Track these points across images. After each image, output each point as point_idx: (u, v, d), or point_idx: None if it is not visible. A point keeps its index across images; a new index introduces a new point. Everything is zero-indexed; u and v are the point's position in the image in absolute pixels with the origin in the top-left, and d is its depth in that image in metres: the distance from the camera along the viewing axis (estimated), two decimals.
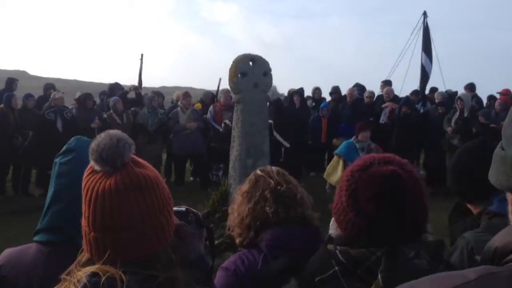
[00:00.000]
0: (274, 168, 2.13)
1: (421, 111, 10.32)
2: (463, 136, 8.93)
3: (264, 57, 6.91)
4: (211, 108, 10.11)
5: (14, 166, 9.42)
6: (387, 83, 11.68)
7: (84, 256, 1.27)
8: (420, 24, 11.21)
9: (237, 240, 2.02)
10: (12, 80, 11.13)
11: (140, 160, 1.31)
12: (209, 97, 11.24)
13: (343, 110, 10.66)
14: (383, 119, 10.18)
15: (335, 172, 6.74)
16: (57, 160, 1.78)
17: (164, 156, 10.92)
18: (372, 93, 11.25)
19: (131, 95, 10.71)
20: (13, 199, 9.13)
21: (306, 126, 10.80)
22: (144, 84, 11.42)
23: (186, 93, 10.25)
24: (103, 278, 1.15)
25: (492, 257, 1.04)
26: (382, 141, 8.14)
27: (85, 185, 1.24)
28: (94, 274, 1.17)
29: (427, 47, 10.79)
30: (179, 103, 10.24)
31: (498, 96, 10.89)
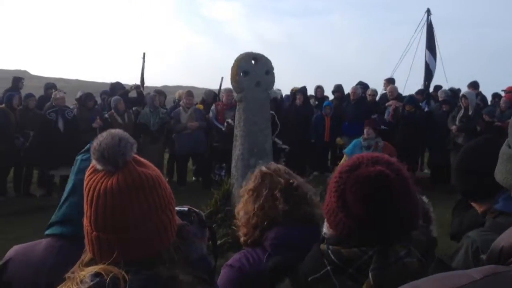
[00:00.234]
0: (280, 166, 2.10)
1: (426, 109, 10.24)
2: (468, 135, 8.86)
3: (266, 55, 6.88)
4: (213, 107, 10.06)
5: (15, 166, 9.37)
6: (390, 81, 11.61)
7: (86, 256, 1.26)
8: (424, 22, 11.17)
9: (242, 239, 2.01)
10: (19, 79, 11.20)
11: (142, 159, 1.30)
12: (211, 96, 11.20)
13: (346, 109, 10.60)
14: (387, 117, 10.10)
15: None
16: (78, 157, 1.78)
17: (167, 156, 10.88)
18: (374, 91, 11.20)
19: (133, 94, 10.67)
20: (15, 199, 9.09)
21: (309, 124, 10.75)
22: (146, 83, 11.38)
23: (189, 92, 10.21)
24: (107, 278, 1.15)
25: (498, 257, 1.04)
26: (386, 140, 8.09)
27: (86, 185, 1.24)
28: (97, 274, 1.17)
29: (431, 45, 10.73)
30: (181, 102, 10.19)
31: (503, 94, 10.83)
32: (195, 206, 1.53)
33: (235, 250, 4.99)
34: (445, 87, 11.57)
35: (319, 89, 11.84)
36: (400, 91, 11.07)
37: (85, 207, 1.24)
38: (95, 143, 1.24)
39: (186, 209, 1.49)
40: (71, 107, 10.01)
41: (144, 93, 10.85)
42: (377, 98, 11.37)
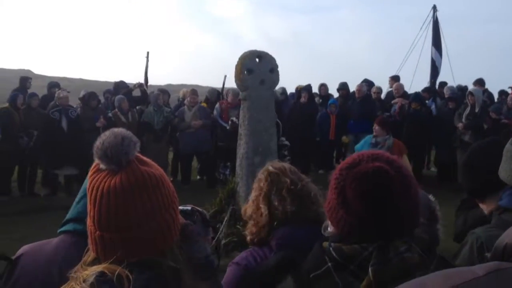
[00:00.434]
0: (286, 165, 2.11)
1: (432, 107, 10.17)
2: (475, 132, 8.78)
3: (271, 53, 6.83)
4: (217, 105, 10.03)
5: (19, 166, 9.35)
6: (395, 79, 11.54)
7: (90, 255, 1.26)
8: (430, 18, 11.07)
9: (248, 238, 2.02)
10: (26, 79, 11.26)
11: (145, 158, 1.30)
12: (215, 95, 11.16)
13: (352, 107, 10.53)
14: (392, 114, 10.00)
15: None
16: None
17: (171, 155, 10.84)
18: (379, 88, 11.16)
19: (136, 93, 10.63)
20: (19, 199, 9.07)
21: (314, 122, 10.70)
22: (150, 82, 11.34)
23: (193, 91, 10.17)
24: (111, 277, 1.15)
25: (502, 254, 1.04)
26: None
27: (90, 184, 1.24)
28: (101, 273, 1.17)
29: (437, 42, 10.64)
30: (185, 101, 10.16)
31: (509, 91, 10.74)
32: (200, 205, 1.53)
33: (240, 249, 4.96)
34: (452, 84, 11.50)
35: (323, 87, 11.79)
36: (406, 88, 11.02)
37: (89, 206, 1.24)
38: (98, 142, 1.23)
39: (189, 208, 1.50)
40: (75, 106, 9.99)
41: (148, 92, 10.82)
42: (383, 96, 11.30)
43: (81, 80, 33.56)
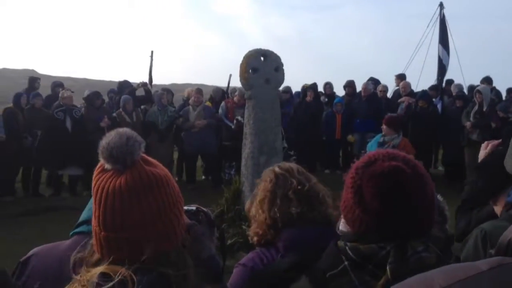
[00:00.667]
0: (293, 165, 2.09)
1: (438, 105, 10.08)
2: (482, 131, 8.68)
3: (276, 52, 6.80)
4: (223, 104, 10.00)
5: (24, 166, 9.33)
6: (400, 77, 11.44)
7: (94, 256, 1.26)
8: (437, 16, 10.95)
9: (255, 239, 2.00)
10: (35, 79, 11.29)
11: (150, 158, 1.30)
12: (219, 94, 11.12)
13: (358, 106, 10.46)
14: (400, 114, 9.92)
15: None
16: None
17: (176, 155, 10.80)
18: (385, 87, 11.07)
19: (140, 92, 10.59)
20: (23, 200, 9.04)
21: (319, 121, 10.65)
22: (154, 82, 11.30)
23: (198, 90, 10.13)
24: (114, 278, 1.14)
25: (506, 249, 1.08)
26: None
27: (95, 184, 1.23)
28: (104, 275, 1.16)
29: (444, 39, 10.50)
30: (190, 100, 10.12)
31: None
32: (205, 205, 1.53)
33: (245, 249, 4.95)
34: (461, 82, 11.39)
35: (328, 85, 11.72)
36: (412, 87, 10.90)
37: (94, 207, 1.24)
38: (103, 142, 1.23)
39: (194, 208, 1.49)
40: (79, 106, 9.96)
41: (152, 91, 10.79)
42: (390, 94, 11.20)
43: (85, 79, 33.62)
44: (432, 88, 10.75)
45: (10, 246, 5.73)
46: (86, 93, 10.30)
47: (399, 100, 10.28)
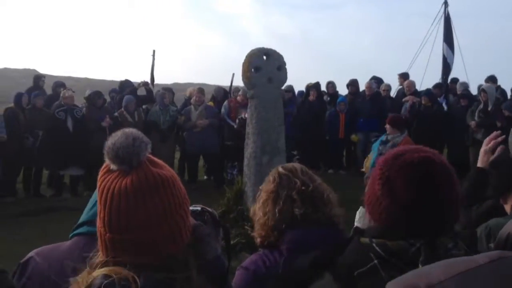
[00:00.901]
0: (297, 165, 2.07)
1: (443, 104, 10.00)
2: (487, 130, 8.60)
3: (278, 50, 6.77)
4: (226, 103, 9.95)
5: (25, 166, 9.28)
6: (404, 76, 11.36)
7: (97, 258, 1.25)
8: (441, 14, 10.87)
9: (258, 240, 1.99)
10: (39, 77, 11.34)
11: (156, 159, 1.30)
12: (221, 93, 11.10)
13: (361, 105, 10.41)
14: (404, 113, 9.85)
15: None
16: None
17: (178, 155, 10.75)
18: (388, 86, 11.03)
19: (141, 91, 10.54)
20: (25, 200, 9.00)
21: (322, 121, 10.61)
22: (156, 81, 11.27)
23: (199, 89, 10.09)
24: (117, 281, 1.13)
25: (505, 243, 1.11)
26: None
27: (100, 185, 1.23)
28: (107, 276, 1.15)
29: (448, 38, 10.45)
30: (191, 99, 10.06)
31: None
32: (207, 205, 1.52)
33: (248, 250, 4.90)
34: (465, 80, 11.31)
35: (330, 84, 11.68)
36: (416, 86, 10.83)
37: (99, 208, 1.23)
38: (109, 142, 1.23)
39: (199, 208, 1.47)
40: (80, 106, 9.92)
41: (154, 91, 10.74)
42: (393, 93, 11.13)
43: (86, 79, 33.50)
44: (436, 86, 10.68)
45: (10, 246, 5.70)
46: (88, 92, 10.26)
47: (403, 99, 10.22)
